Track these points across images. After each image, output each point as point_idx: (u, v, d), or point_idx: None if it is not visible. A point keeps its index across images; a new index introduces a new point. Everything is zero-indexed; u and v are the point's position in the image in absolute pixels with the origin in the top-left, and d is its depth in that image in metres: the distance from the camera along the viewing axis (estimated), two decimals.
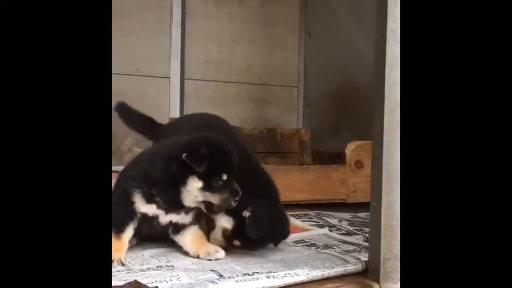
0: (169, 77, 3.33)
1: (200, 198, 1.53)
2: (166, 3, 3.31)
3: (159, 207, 1.55)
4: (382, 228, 1.36)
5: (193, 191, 1.51)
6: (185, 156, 1.48)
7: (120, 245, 1.51)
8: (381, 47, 1.35)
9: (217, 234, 1.64)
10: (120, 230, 1.52)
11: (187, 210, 1.58)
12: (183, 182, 1.50)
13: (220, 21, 3.49)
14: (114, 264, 1.44)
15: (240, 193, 1.52)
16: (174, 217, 1.58)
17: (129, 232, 1.54)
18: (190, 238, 1.61)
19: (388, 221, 1.35)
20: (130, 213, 1.55)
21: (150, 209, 1.56)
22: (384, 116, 1.35)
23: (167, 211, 1.57)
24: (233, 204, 1.52)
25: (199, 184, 1.50)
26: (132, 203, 1.55)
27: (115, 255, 1.46)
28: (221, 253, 1.56)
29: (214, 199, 1.52)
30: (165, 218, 1.58)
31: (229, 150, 1.58)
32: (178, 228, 1.61)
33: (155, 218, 1.57)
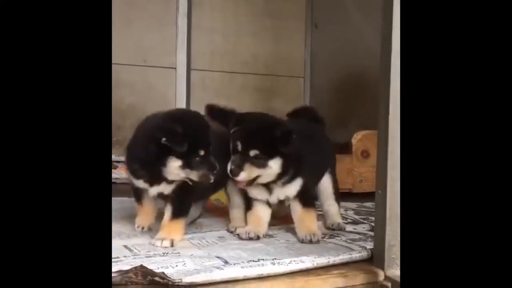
0: (175, 68, 3.34)
1: (182, 175, 1.56)
2: None
3: (144, 181, 1.63)
4: (387, 215, 1.36)
5: (174, 170, 1.54)
6: (164, 140, 1.50)
7: (143, 212, 1.74)
8: (387, 36, 1.35)
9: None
10: (138, 198, 1.74)
11: (169, 180, 1.62)
12: (163, 163, 1.53)
13: (226, 12, 3.49)
14: (139, 229, 1.72)
15: (217, 168, 1.54)
16: (158, 189, 1.63)
17: (147, 200, 1.72)
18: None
19: (393, 208, 1.35)
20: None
21: (139, 183, 1.66)
22: (390, 103, 1.35)
23: (150, 184, 1.63)
24: (211, 179, 1.55)
25: (178, 163, 1.53)
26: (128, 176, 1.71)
27: (139, 222, 1.74)
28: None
29: (194, 176, 1.54)
30: (152, 191, 1.65)
31: (204, 125, 1.59)
32: (165, 197, 1.66)
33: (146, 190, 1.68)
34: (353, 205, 2.32)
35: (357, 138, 2.50)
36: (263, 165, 1.59)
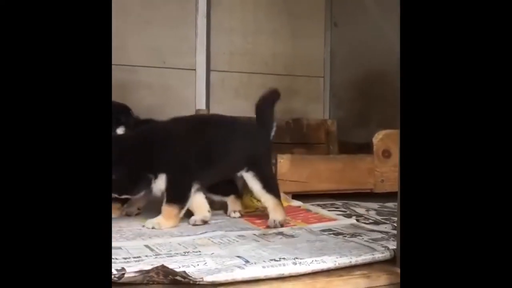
0: (195, 69, 3.34)
1: None
2: None
3: None
4: None
5: None
6: None
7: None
8: None
9: None
10: None
11: None
12: None
13: (245, 12, 3.49)
14: None
15: None
16: None
17: None
18: None
19: None
20: None
21: None
22: None
23: None
24: None
25: None
26: None
27: None
28: None
29: None
30: None
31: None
32: None
33: None
34: (375, 205, 2.29)
35: (378, 138, 2.47)
36: None
